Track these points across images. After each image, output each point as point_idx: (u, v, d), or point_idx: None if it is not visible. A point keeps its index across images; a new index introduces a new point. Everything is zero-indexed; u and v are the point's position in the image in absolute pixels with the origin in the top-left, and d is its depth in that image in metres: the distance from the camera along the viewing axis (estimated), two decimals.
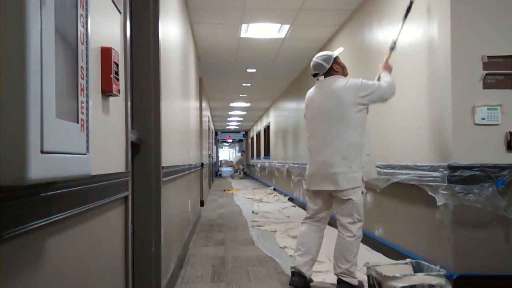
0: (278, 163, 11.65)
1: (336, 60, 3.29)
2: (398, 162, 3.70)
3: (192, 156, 6.00)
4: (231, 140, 31.00)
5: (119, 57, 1.74)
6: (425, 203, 3.35)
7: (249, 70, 8.96)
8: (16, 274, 0.92)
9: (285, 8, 5.40)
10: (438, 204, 3.01)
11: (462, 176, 2.94)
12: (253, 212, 7.81)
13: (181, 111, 4.45)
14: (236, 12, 5.52)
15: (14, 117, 0.79)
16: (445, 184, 2.96)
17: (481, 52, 3.07)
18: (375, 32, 4.59)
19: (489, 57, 3.06)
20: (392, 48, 3.48)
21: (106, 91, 1.55)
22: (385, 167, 3.91)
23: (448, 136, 3.09)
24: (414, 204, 3.59)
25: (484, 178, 2.93)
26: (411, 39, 3.70)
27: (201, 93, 8.96)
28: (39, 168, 0.84)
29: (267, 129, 15.82)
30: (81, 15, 1.13)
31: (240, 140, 29.76)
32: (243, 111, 16.36)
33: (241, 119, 19.53)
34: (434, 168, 3.12)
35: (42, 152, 0.85)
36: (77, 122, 1.09)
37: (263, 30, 6.25)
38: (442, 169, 3.01)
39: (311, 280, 3.30)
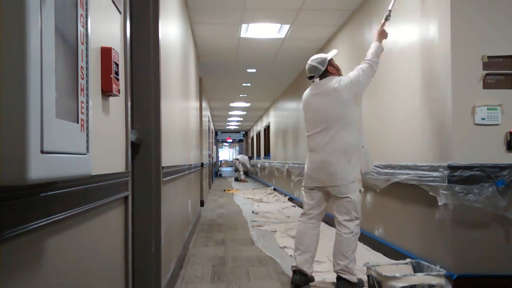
0: (278, 163, 11.65)
1: (330, 62, 3.38)
2: (398, 162, 3.70)
3: (192, 156, 6.00)
4: (231, 140, 31.00)
5: (119, 57, 1.74)
6: (425, 203, 3.35)
7: (249, 70, 8.96)
8: (16, 274, 0.92)
9: (285, 8, 5.40)
10: (440, 204, 3.01)
11: (462, 176, 2.94)
12: (253, 212, 7.81)
13: (181, 111, 4.45)
14: (236, 12, 5.52)
15: (14, 117, 0.79)
16: (445, 184, 2.96)
17: (481, 52, 3.07)
18: (375, 32, 4.58)
19: (489, 57, 3.06)
20: (387, 17, 3.56)
21: (106, 91, 1.55)
22: (385, 167, 3.91)
23: (448, 136, 3.09)
24: (414, 204, 3.59)
25: (484, 178, 2.93)
26: (411, 39, 3.70)
27: (201, 93, 8.96)
28: (39, 168, 0.84)
29: (267, 129, 15.82)
30: (81, 15, 1.13)
31: (240, 140, 29.76)
32: (243, 111, 16.36)
33: (241, 119, 19.53)
34: (434, 168, 3.12)
35: (42, 152, 0.85)
36: (77, 122, 1.09)
37: (263, 30, 6.25)
38: (442, 169, 3.01)
39: (312, 278, 3.35)
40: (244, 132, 27.28)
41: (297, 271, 3.28)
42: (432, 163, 3.17)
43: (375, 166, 4.09)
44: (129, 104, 1.98)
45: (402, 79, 3.86)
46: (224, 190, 13.43)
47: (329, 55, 3.39)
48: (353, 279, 3.15)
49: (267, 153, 15.83)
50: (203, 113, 9.29)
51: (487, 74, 3.06)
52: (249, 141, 24.74)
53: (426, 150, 3.39)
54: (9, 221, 0.85)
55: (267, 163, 14.83)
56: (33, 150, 0.81)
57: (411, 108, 3.68)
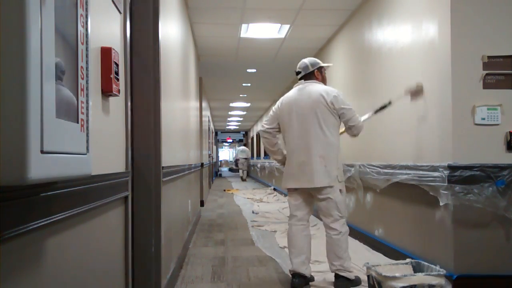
0: None
1: (321, 68, 3.49)
2: (398, 162, 3.70)
3: (192, 156, 6.00)
4: (231, 140, 31.00)
5: (119, 57, 1.74)
6: (425, 203, 3.35)
7: (249, 70, 8.96)
8: (16, 274, 0.92)
9: (285, 8, 5.40)
10: (441, 204, 3.01)
11: (462, 176, 2.94)
12: (253, 212, 7.81)
13: (181, 111, 4.45)
14: (236, 12, 5.52)
15: (14, 117, 0.79)
16: (445, 184, 2.96)
17: (481, 52, 3.07)
18: (375, 32, 4.59)
19: (489, 57, 3.06)
20: (386, 106, 3.71)
21: (106, 91, 1.55)
22: (385, 167, 3.91)
23: (448, 136, 3.09)
24: (414, 204, 3.59)
25: (484, 178, 2.93)
26: (411, 39, 3.70)
27: (201, 93, 8.95)
28: (39, 168, 0.84)
29: None
30: (81, 15, 1.13)
31: (240, 140, 29.78)
32: (243, 111, 16.36)
33: (241, 119, 19.52)
34: (434, 168, 3.12)
35: (42, 152, 0.85)
36: (77, 122, 1.09)
37: (263, 30, 6.25)
38: (442, 169, 3.01)
39: (312, 277, 3.37)
40: (244, 132, 27.27)
41: (295, 274, 3.29)
42: (432, 163, 3.17)
43: (375, 166, 4.10)
44: (129, 104, 1.98)
45: (402, 79, 3.86)
46: (224, 190, 13.43)
47: (323, 63, 3.53)
48: (351, 276, 3.20)
49: (267, 153, 15.80)
50: (203, 113, 9.29)
51: (487, 74, 3.06)
52: (249, 141, 24.73)
53: (426, 150, 3.39)
54: (9, 221, 0.85)
55: (267, 163, 14.83)
56: (33, 150, 0.81)
57: (411, 108, 3.68)
